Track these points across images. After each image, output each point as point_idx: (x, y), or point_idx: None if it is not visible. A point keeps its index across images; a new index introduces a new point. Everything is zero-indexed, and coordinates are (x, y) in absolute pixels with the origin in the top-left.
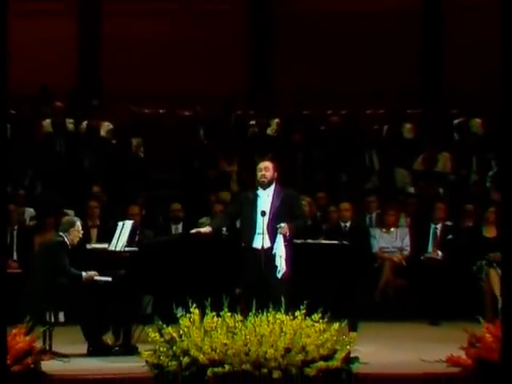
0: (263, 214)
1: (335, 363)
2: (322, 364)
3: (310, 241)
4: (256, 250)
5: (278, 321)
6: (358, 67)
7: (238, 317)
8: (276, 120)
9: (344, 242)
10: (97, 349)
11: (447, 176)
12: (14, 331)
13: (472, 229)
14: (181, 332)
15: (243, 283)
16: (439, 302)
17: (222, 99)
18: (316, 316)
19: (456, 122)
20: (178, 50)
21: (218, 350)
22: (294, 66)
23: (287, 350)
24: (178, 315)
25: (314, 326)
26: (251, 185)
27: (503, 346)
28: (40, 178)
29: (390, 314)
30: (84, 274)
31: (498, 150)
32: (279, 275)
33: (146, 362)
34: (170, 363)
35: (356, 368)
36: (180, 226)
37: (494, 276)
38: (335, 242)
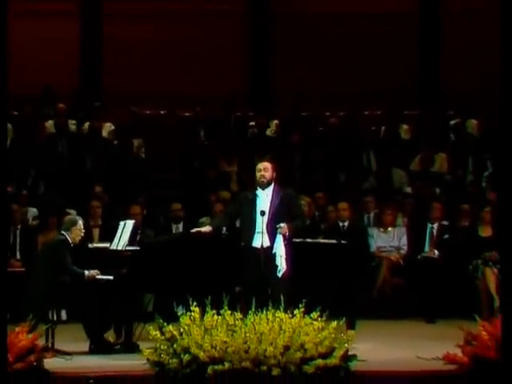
0: (262, 213)
1: (333, 361)
2: (320, 361)
3: (308, 240)
4: (255, 249)
5: (277, 319)
6: (356, 69)
7: (238, 315)
8: (275, 121)
9: (342, 242)
10: (99, 346)
11: (444, 176)
12: (16, 329)
13: (468, 228)
14: (181, 330)
15: (243, 282)
16: (436, 301)
17: (222, 100)
18: (314, 314)
19: (452, 123)
20: (179, 51)
21: (218, 348)
22: (293, 67)
23: (286, 348)
24: (179, 313)
25: (312, 324)
26: (251, 185)
27: (503, 344)
28: (43, 179)
29: (388, 312)
30: (86, 272)
31: (496, 150)
32: (279, 274)
33: (147, 359)
34: (170, 361)
35: (354, 365)
36: (180, 226)
37: (490, 275)
38: (333, 241)
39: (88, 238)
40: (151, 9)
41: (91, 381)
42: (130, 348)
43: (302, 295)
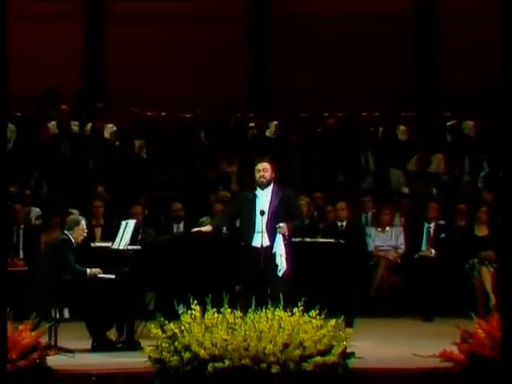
0: (262, 213)
1: (332, 358)
2: (319, 359)
3: (307, 239)
4: (255, 248)
5: (276, 317)
6: (355, 70)
7: (238, 313)
8: (274, 122)
9: (340, 241)
10: (101, 344)
11: (440, 176)
12: (20, 327)
13: (464, 228)
14: (182, 328)
15: (243, 281)
16: (433, 299)
17: (222, 102)
18: (313, 312)
19: (449, 124)
20: (179, 53)
21: (218, 346)
22: (292, 69)
23: (285, 346)
24: (180, 312)
25: (311, 322)
26: (251, 185)
27: (502, 342)
28: (46, 179)
29: (385, 310)
30: (88, 271)
31: (492, 151)
32: (280, 273)
33: (149, 357)
34: (171, 358)
35: (352, 363)
36: (181, 225)
37: (486, 274)
38: (332, 240)
39: (90, 237)
40: (153, 12)
41: (93, 378)
42: (132, 346)
43: (301, 294)
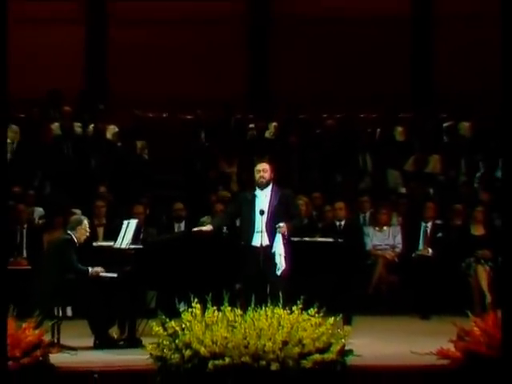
0: (262, 212)
1: (330, 355)
2: (317, 356)
3: (306, 238)
4: (255, 247)
5: (275, 315)
6: (353, 73)
7: (238, 311)
8: (274, 123)
9: (339, 240)
10: (103, 342)
11: (437, 177)
12: (23, 325)
13: (460, 227)
14: (183, 326)
15: (243, 279)
16: (430, 297)
17: (223, 103)
18: (312, 310)
19: (445, 125)
20: (180, 56)
21: (218, 343)
22: (291, 71)
23: (285, 343)
24: (181, 310)
25: (310, 320)
26: (250, 185)
27: (503, 340)
28: (49, 179)
29: (383, 308)
30: (90, 270)
31: (490, 151)
32: (278, 272)
33: (150, 354)
34: (172, 356)
35: (350, 360)
36: (182, 225)
37: (482, 272)
38: (330, 239)
39: (93, 236)
40: (154, 14)
41: (96, 375)
42: (134, 343)
43: (300, 292)
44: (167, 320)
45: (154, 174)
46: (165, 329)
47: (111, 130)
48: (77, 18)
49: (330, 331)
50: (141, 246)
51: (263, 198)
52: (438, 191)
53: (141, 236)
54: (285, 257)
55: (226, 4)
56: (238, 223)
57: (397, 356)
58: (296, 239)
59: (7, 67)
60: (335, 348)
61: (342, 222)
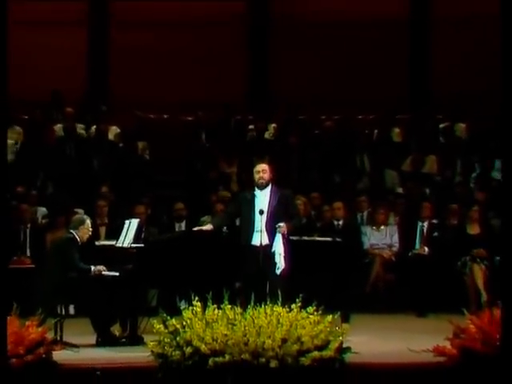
0: (261, 212)
1: (329, 353)
2: (316, 354)
3: (305, 238)
4: (255, 246)
5: (275, 313)
6: (351, 75)
7: (238, 309)
8: (273, 124)
9: (337, 239)
10: (105, 339)
11: (433, 177)
12: (27, 323)
13: (456, 226)
14: (184, 323)
15: (243, 278)
16: (426, 295)
17: (223, 105)
18: (311, 308)
19: (442, 126)
20: (181, 59)
21: (218, 341)
22: (290, 73)
23: (284, 341)
24: (182, 308)
25: (308, 317)
26: (250, 185)
27: (502, 339)
28: (52, 179)
29: (380, 306)
30: (93, 268)
31: (485, 152)
32: (278, 272)
33: (152, 351)
34: (173, 353)
35: (348, 357)
36: (183, 224)
37: (477, 271)
38: (329, 238)
39: (95, 235)
40: (155, 17)
41: (98, 372)
42: (135, 341)
43: (299, 290)
44: (168, 318)
45: (155, 175)
46: (166, 326)
47: (113, 131)
48: (79, 21)
49: (329, 329)
50: (142, 245)
51: (263, 198)
52: (435, 191)
53: (142, 235)
54: (284, 256)
55: (226, 6)
56: (237, 223)
57: (394, 353)
58: (295, 238)
59: (7, 68)
60: (333, 345)
61: (340, 222)
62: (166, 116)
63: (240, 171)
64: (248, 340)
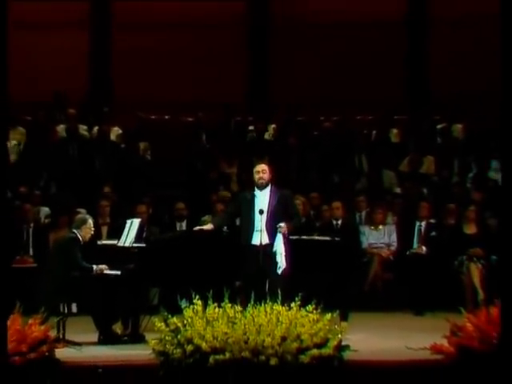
0: (261, 212)
1: (328, 351)
2: (315, 351)
3: (304, 237)
4: (254, 246)
5: (274, 311)
6: (350, 76)
7: (238, 308)
8: (273, 125)
9: (336, 239)
10: (107, 337)
11: (431, 177)
12: (30, 321)
13: (453, 226)
14: (185, 322)
15: (243, 277)
16: (424, 294)
17: (223, 105)
18: (310, 307)
19: (439, 127)
20: (182, 60)
21: (219, 339)
22: (289, 75)
23: (283, 339)
24: (183, 306)
25: (308, 316)
26: (250, 185)
27: (501, 337)
28: (54, 179)
29: (379, 304)
30: (95, 267)
31: (482, 152)
32: (279, 271)
33: (153, 349)
34: (174, 351)
35: (347, 355)
36: (184, 224)
37: (474, 270)
38: (328, 238)
39: (97, 235)
40: (156, 19)
41: (100, 370)
42: (137, 339)
43: (298, 289)
44: (169, 316)
45: (157, 175)
46: (167, 325)
47: (115, 132)
48: (81, 22)
49: (328, 327)
50: (144, 245)
51: (262, 198)
52: (432, 191)
53: (144, 235)
54: (285, 256)
55: (225, 7)
56: (238, 222)
57: (392, 351)
58: (294, 237)
59: (7, 68)
60: (332, 343)
61: (339, 221)
62: (167, 117)
63: (240, 171)
64: (248, 338)
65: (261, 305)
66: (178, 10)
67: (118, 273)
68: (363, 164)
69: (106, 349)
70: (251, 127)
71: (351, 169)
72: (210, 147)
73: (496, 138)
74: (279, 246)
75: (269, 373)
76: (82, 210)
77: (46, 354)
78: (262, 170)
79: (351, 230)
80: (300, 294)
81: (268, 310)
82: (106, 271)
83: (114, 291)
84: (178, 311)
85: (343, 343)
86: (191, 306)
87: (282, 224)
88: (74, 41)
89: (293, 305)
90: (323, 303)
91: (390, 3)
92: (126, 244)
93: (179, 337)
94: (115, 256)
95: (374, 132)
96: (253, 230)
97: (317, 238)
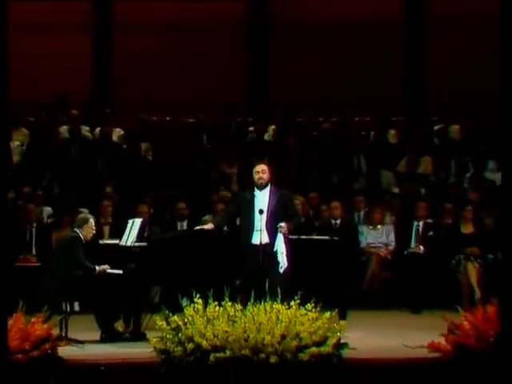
0: (261, 212)
1: (327, 349)
2: (314, 349)
3: (303, 236)
4: (254, 245)
5: (274, 310)
6: (348, 78)
7: (238, 306)
8: (273, 126)
9: (335, 238)
10: (109, 336)
11: (428, 177)
12: (33, 320)
13: (451, 226)
14: (185, 320)
15: (243, 276)
16: (421, 293)
17: (223, 106)
18: (309, 306)
19: (436, 128)
20: (183, 62)
21: (219, 337)
22: (289, 76)
23: (283, 337)
24: (183, 305)
25: (307, 314)
26: (250, 185)
27: (500, 335)
28: (57, 180)
29: (377, 303)
30: (97, 267)
31: (478, 153)
32: (281, 270)
33: (154, 347)
34: (175, 349)
35: (345, 353)
36: (185, 224)
37: (471, 269)
38: (326, 237)
39: (99, 234)
40: (157, 21)
41: (102, 367)
42: (138, 337)
43: (298, 288)
44: (170, 314)
45: (158, 175)
46: (168, 323)
47: (117, 133)
48: (83, 25)
49: (326, 325)
50: (145, 244)
51: (262, 198)
52: (430, 191)
53: (145, 234)
54: (286, 255)
55: (226, 8)
56: (238, 222)
57: (390, 349)
58: (294, 237)
59: (7, 69)
60: (331, 341)
61: (338, 221)
62: (168, 118)
63: (240, 172)
64: (248, 336)
65: (261, 303)
66: (178, 12)
67: (120, 272)
68: (362, 164)
69: (108, 347)
70: (251, 128)
71: (350, 169)
72: (211, 148)
73: (493, 139)
74: (280, 246)
75: (268, 370)
76: (85, 210)
77: (49, 351)
78: (261, 171)
79: (350, 229)
80: (299, 292)
81: (268, 308)
82: (107, 270)
83: (115, 290)
84: (178, 310)
85: (342, 341)
86: (192, 305)
87: (283, 224)
88: (75, 42)
89: (292, 303)
90: (322, 302)
91: (388, 4)
92: (128, 243)
93: (180, 335)
94: (117, 255)
95: (372, 133)
96: (253, 230)
97: (316, 237)
